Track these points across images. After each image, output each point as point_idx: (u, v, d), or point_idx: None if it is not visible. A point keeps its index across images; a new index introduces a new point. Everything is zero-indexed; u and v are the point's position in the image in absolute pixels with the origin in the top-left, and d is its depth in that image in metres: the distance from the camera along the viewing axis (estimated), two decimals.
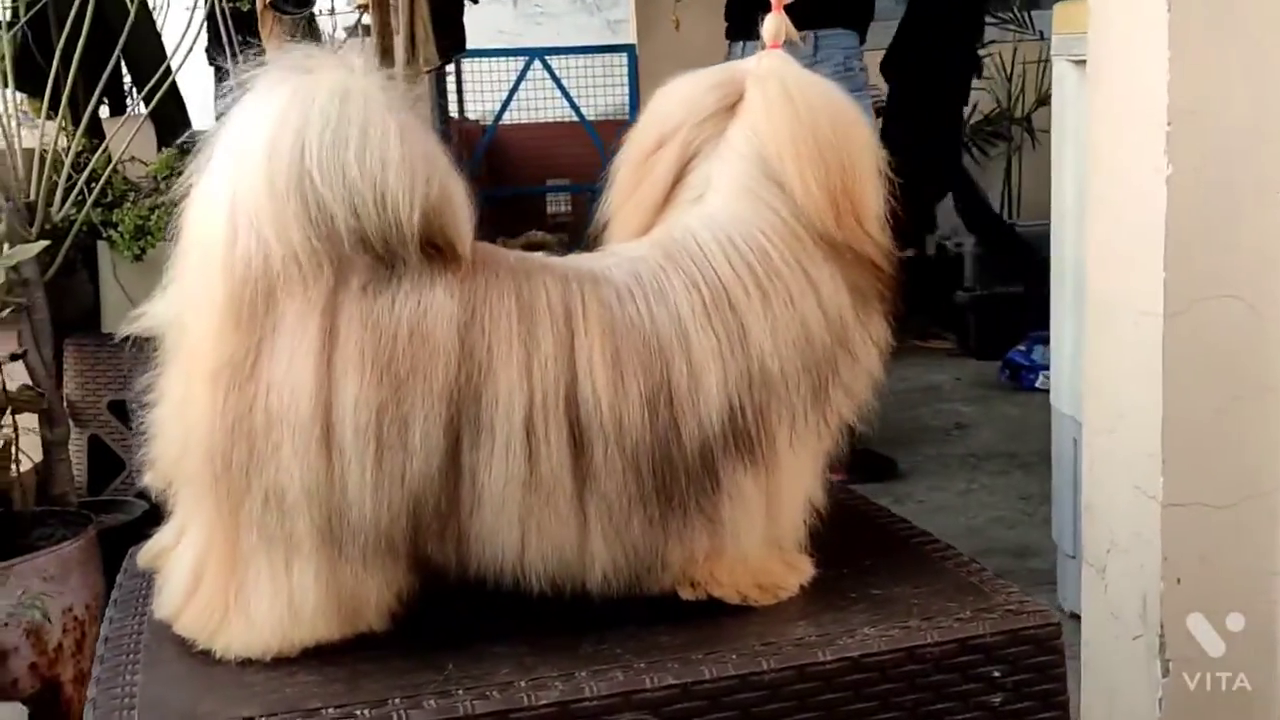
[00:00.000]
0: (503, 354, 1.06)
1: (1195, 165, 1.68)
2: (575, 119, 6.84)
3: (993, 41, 6.03)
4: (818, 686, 1.07)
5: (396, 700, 1.01)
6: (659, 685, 1.04)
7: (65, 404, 2.71)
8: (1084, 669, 1.99)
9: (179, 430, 1.08)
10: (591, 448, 1.08)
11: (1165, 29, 1.66)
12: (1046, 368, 4.93)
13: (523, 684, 1.03)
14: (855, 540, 1.33)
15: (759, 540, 1.17)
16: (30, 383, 2.38)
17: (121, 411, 2.82)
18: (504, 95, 7.01)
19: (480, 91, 7.53)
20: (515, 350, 1.07)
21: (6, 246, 2.07)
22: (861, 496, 1.49)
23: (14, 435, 2.18)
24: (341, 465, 1.03)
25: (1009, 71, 6.28)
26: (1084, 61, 2.29)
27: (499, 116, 6.96)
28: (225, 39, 3.18)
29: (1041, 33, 6.09)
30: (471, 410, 1.05)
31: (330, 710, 1.00)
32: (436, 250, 1.08)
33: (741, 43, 3.53)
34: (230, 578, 1.08)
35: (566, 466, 1.07)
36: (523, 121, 7.43)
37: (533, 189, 7.20)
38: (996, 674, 1.11)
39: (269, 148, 1.04)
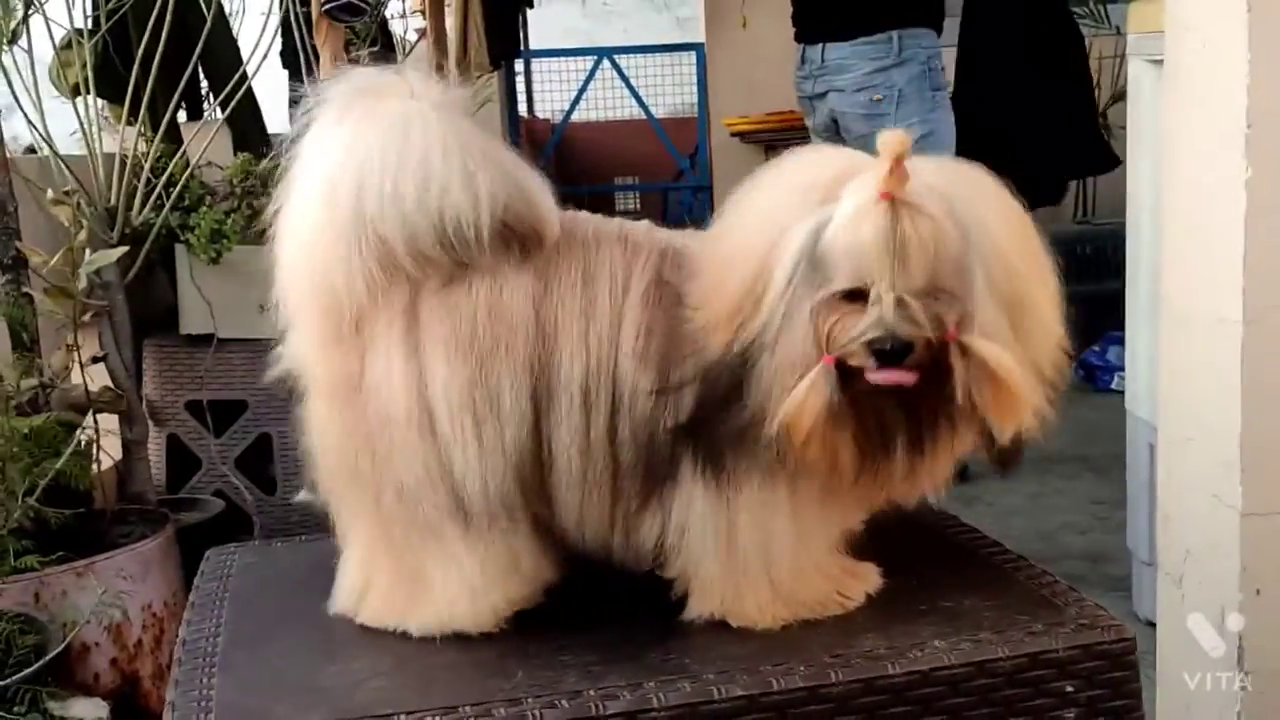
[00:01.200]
0: (566, 324, 1.12)
1: (1275, 168, 1.64)
2: (643, 117, 6.85)
3: None
4: (886, 700, 1.07)
5: (466, 708, 1.03)
6: (727, 697, 1.04)
7: (144, 404, 2.77)
8: (1159, 679, 1.95)
9: (319, 450, 1.18)
10: (620, 417, 1.13)
11: (1245, 29, 1.63)
12: (1121, 369, 4.86)
13: (591, 693, 1.04)
14: (924, 550, 1.32)
15: (715, 558, 1.13)
16: (110, 384, 2.44)
17: (199, 411, 2.88)
18: (572, 94, 7.05)
19: (550, 90, 7.58)
20: (576, 320, 1.13)
21: (88, 251, 2.12)
22: (928, 503, 1.48)
23: (95, 435, 2.23)
24: (445, 445, 1.11)
25: None
26: (1160, 61, 2.26)
27: (568, 115, 7.00)
28: (299, 44, 3.23)
29: (1118, 28, 5.98)
30: (544, 378, 1.12)
31: (401, 716, 1.02)
32: (520, 239, 1.14)
33: (819, 45, 3.50)
34: (396, 568, 1.17)
35: (603, 433, 1.12)
36: (591, 120, 7.46)
37: (601, 187, 7.23)
38: (1070, 689, 1.10)
39: (330, 189, 1.12)
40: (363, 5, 3.43)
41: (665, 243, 1.17)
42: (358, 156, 1.11)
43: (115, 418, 2.59)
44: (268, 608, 1.28)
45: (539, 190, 1.16)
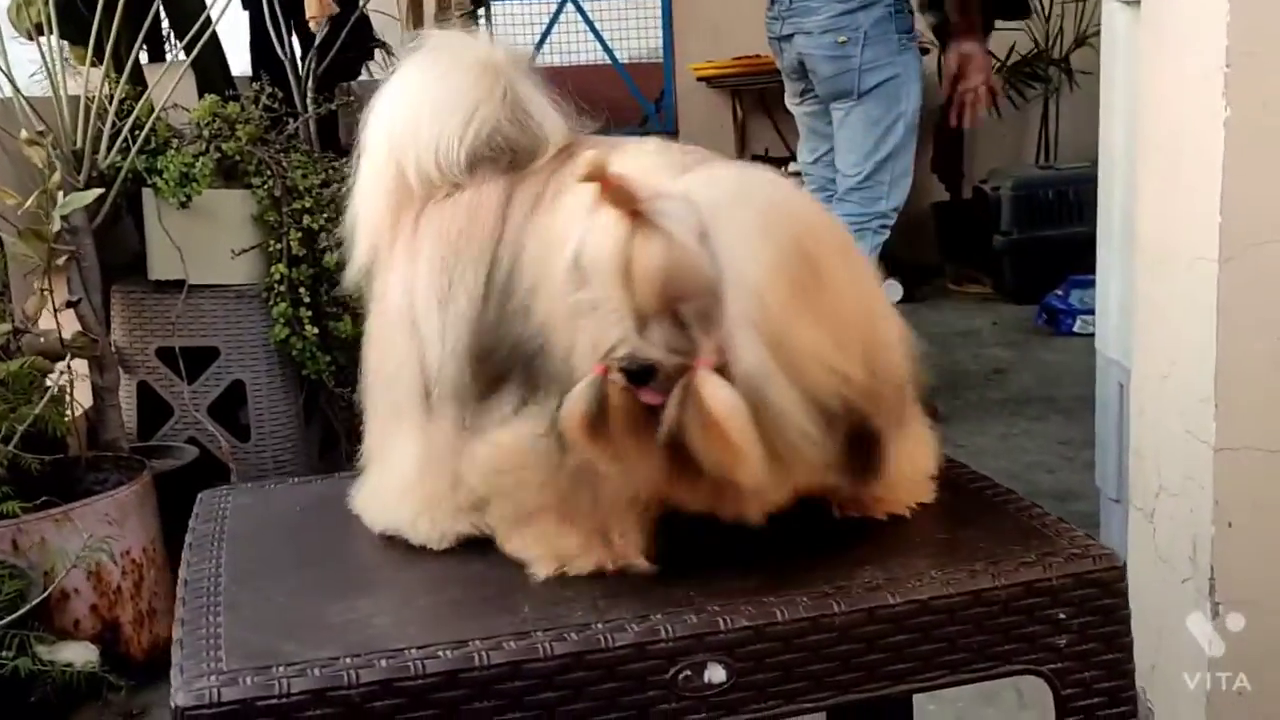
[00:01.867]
0: (513, 224, 1.21)
1: (1254, 108, 1.66)
2: (607, 62, 6.79)
3: None
4: (888, 629, 1.09)
5: (476, 641, 1.04)
6: (733, 627, 1.06)
7: (114, 350, 2.74)
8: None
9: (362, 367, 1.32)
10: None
11: None
12: (1084, 312, 4.92)
13: (599, 625, 1.05)
14: None
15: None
16: (81, 329, 2.41)
17: (169, 358, 2.85)
18: (533, 38, 6.97)
19: (510, 34, 7.48)
20: (520, 222, 1.20)
21: (60, 195, 2.09)
22: None
23: (69, 381, 2.21)
24: (420, 340, 1.22)
25: (1047, 11, 6.19)
26: (1135, 2, 2.27)
27: (531, 61, 6.92)
28: None
29: None
30: (498, 269, 1.19)
31: (413, 651, 1.02)
32: (511, 157, 1.25)
33: None
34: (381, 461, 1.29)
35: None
36: (554, 65, 7.39)
37: None
38: (1062, 616, 1.13)
39: (373, 130, 1.29)
40: None
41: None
42: (393, 99, 1.29)
43: (83, 365, 2.57)
44: (266, 547, 1.28)
45: (539, 117, 1.27)
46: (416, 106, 1.27)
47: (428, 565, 1.21)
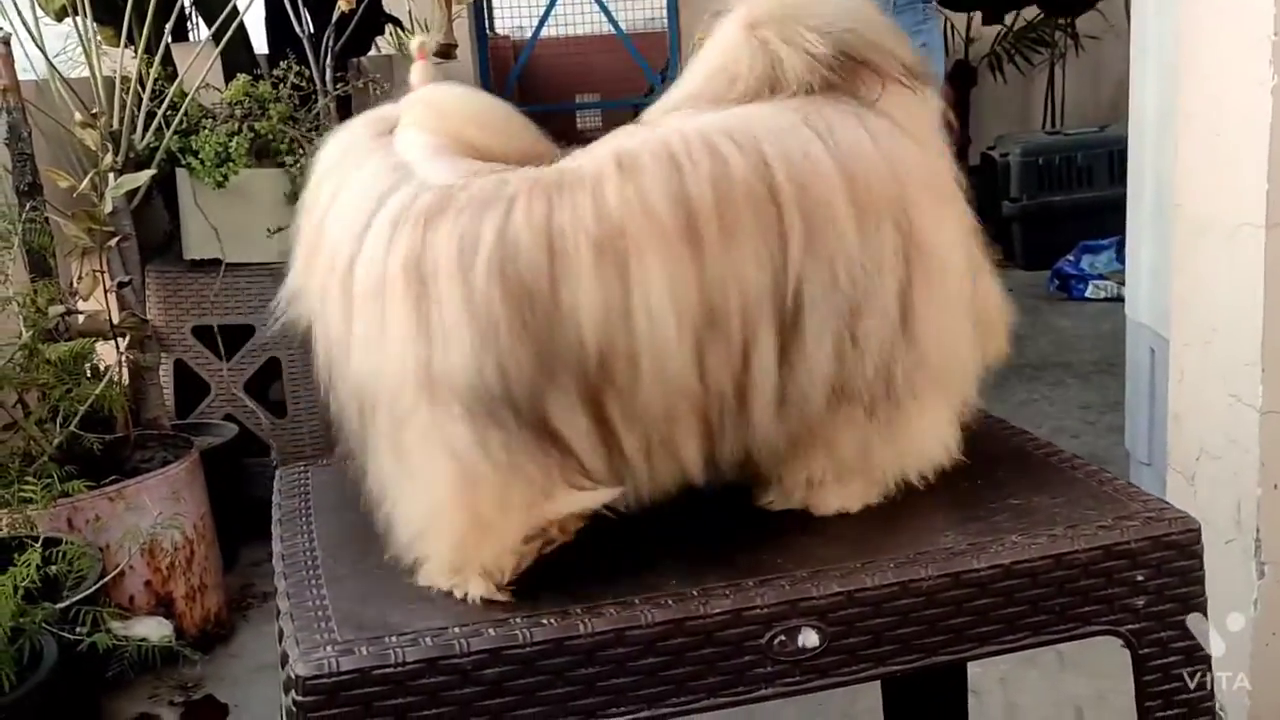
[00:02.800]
0: None
1: None
2: (609, 31, 6.78)
3: None
4: (973, 592, 1.12)
5: (578, 610, 1.07)
6: (825, 594, 1.09)
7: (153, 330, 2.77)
8: None
9: None
10: None
11: None
12: (1097, 277, 4.96)
13: (695, 593, 1.08)
14: (984, 452, 1.37)
15: None
16: (130, 310, 2.43)
17: (204, 336, 2.88)
18: (534, 9, 6.95)
19: (512, 6, 7.47)
20: None
21: (112, 177, 2.10)
22: (979, 408, 1.53)
23: (119, 360, 2.24)
24: None
25: None
26: None
27: (536, 33, 6.90)
28: None
29: None
30: None
31: (519, 619, 1.05)
32: None
33: None
34: None
35: None
36: (556, 36, 7.37)
37: (562, 105, 7.15)
38: (1140, 578, 1.16)
39: None
40: None
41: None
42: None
43: (120, 344, 2.59)
44: (353, 522, 1.30)
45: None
46: None
47: None
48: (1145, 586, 1.16)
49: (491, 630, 1.04)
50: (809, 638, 1.09)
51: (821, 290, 1.11)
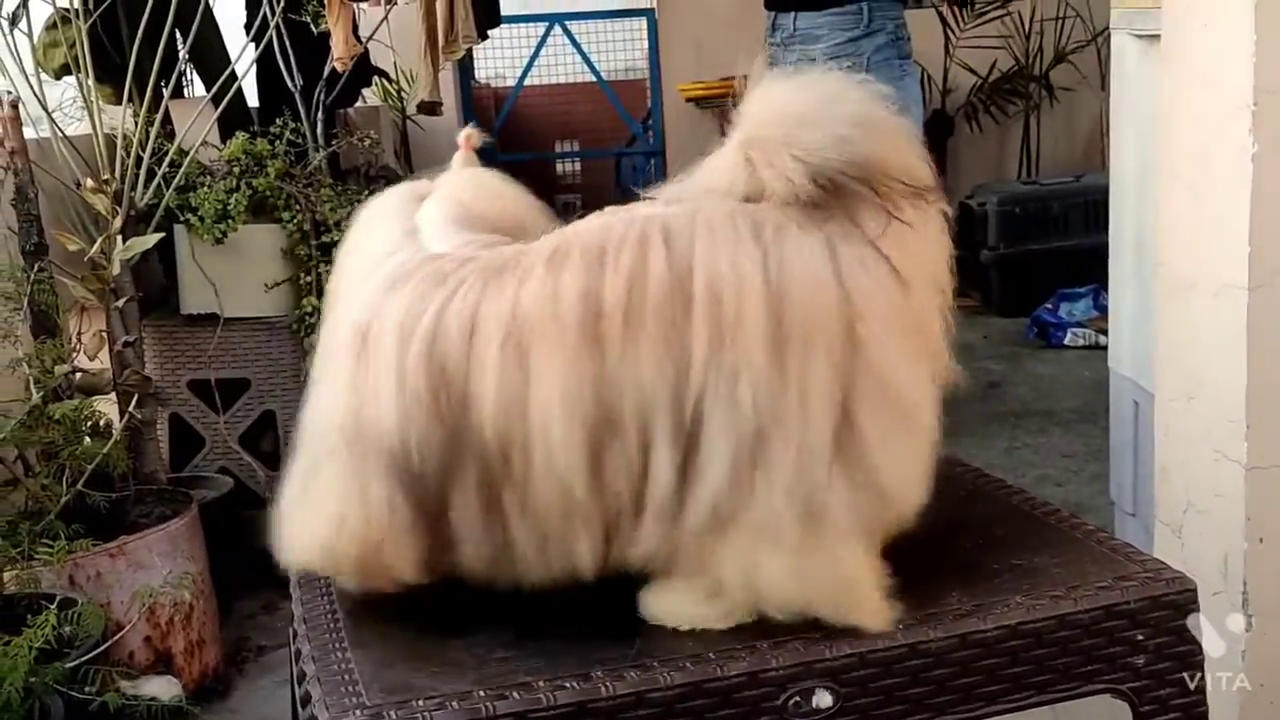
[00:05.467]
0: None
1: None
2: (590, 80, 6.84)
3: None
4: (979, 653, 1.16)
5: (599, 673, 1.10)
6: (838, 655, 1.12)
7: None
8: None
9: None
10: None
11: (1251, 9, 1.72)
12: (1075, 324, 5.03)
13: (712, 655, 1.12)
14: (983, 512, 1.41)
15: None
16: (130, 367, 2.45)
17: (200, 390, 2.90)
18: (513, 58, 7.01)
19: (492, 56, 7.52)
20: None
21: (120, 240, 2.14)
22: (975, 467, 1.57)
23: (126, 417, 2.25)
24: None
25: (1027, 29, 6.31)
26: (1146, 37, 2.36)
27: (520, 83, 6.96)
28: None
29: None
30: None
31: (541, 682, 1.08)
32: None
33: (791, 13, 3.56)
34: None
35: None
36: (537, 84, 7.43)
37: (548, 154, 7.19)
38: (1140, 637, 1.20)
39: None
40: None
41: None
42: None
43: (114, 400, 2.61)
44: None
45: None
46: None
47: (528, 599, 1.26)
48: (1145, 645, 1.20)
49: (516, 694, 1.07)
50: (823, 698, 1.12)
51: (722, 407, 1.07)
